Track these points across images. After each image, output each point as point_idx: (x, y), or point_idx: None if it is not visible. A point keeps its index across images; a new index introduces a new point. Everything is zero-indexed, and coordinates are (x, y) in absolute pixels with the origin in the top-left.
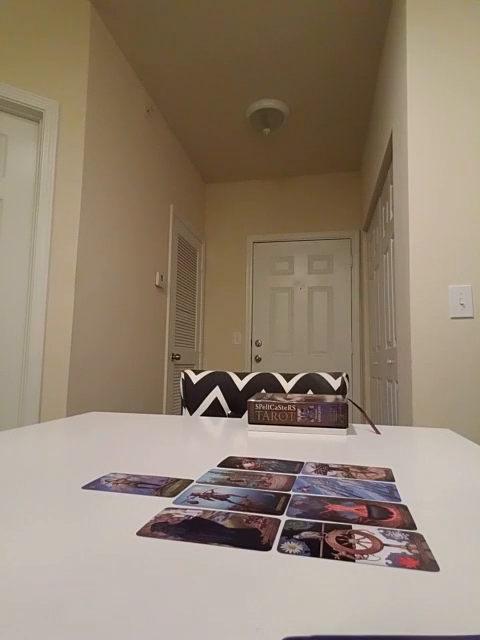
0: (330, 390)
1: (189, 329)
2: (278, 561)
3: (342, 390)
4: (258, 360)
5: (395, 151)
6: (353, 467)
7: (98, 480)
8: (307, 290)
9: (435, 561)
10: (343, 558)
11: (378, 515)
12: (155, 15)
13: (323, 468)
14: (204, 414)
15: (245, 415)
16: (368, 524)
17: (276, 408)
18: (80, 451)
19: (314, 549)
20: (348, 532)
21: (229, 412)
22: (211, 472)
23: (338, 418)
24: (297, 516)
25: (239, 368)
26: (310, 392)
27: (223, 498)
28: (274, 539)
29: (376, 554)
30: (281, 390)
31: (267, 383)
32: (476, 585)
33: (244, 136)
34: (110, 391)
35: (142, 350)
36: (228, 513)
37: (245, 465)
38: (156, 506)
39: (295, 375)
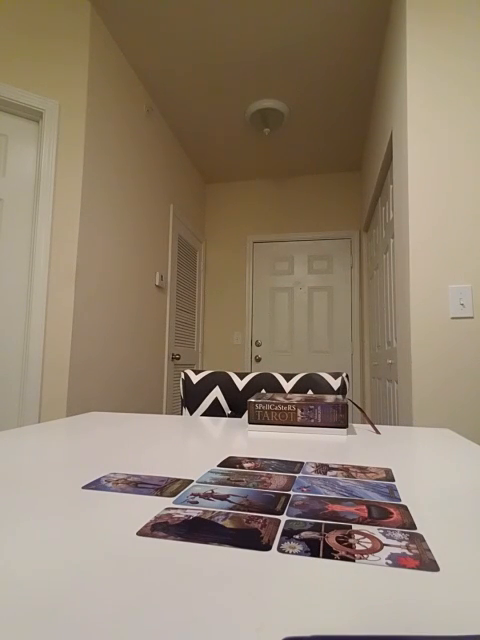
0: (330, 390)
1: (189, 329)
2: (278, 561)
3: (342, 390)
4: (258, 360)
5: (395, 151)
6: (353, 467)
7: (98, 480)
8: (307, 290)
9: (435, 561)
10: (343, 558)
11: (378, 515)
12: (155, 15)
13: (323, 468)
14: (204, 414)
15: (245, 415)
16: (368, 524)
17: (276, 408)
18: (80, 451)
19: (314, 549)
20: (348, 532)
21: (229, 412)
22: (211, 472)
23: (338, 418)
24: (297, 516)
25: (239, 368)
26: (310, 392)
27: (223, 498)
28: (274, 539)
29: (376, 554)
30: (281, 390)
31: (267, 383)
32: (476, 585)
33: (244, 136)
34: (110, 391)
35: (142, 350)
36: (228, 513)
37: (245, 465)
38: (156, 506)
39: (295, 375)
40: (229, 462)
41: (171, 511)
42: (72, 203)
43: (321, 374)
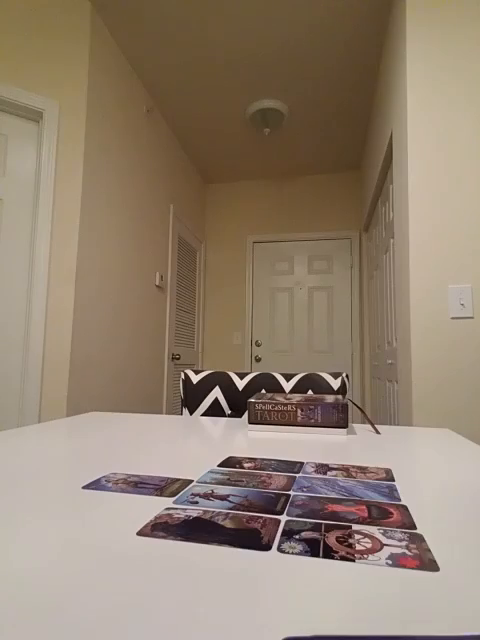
0: (330, 390)
1: (189, 329)
2: (278, 561)
3: (342, 390)
4: (258, 360)
5: (395, 151)
6: (353, 467)
7: (98, 480)
8: (307, 290)
9: (435, 561)
10: (343, 558)
11: (378, 515)
12: (155, 15)
13: (323, 468)
14: (204, 414)
15: (245, 415)
16: (368, 524)
17: (276, 408)
18: (80, 451)
19: (314, 549)
20: (348, 532)
21: (229, 412)
22: (211, 472)
23: (338, 418)
24: (297, 516)
25: (239, 368)
26: (310, 392)
27: (223, 498)
28: (274, 539)
29: (376, 554)
30: (281, 390)
31: (267, 383)
32: (476, 585)
33: (244, 136)
34: (110, 391)
35: (142, 350)
36: (228, 513)
37: (245, 465)
38: (156, 506)
39: (295, 375)
40: (229, 462)
41: (171, 511)
42: (72, 203)
43: (321, 374)
